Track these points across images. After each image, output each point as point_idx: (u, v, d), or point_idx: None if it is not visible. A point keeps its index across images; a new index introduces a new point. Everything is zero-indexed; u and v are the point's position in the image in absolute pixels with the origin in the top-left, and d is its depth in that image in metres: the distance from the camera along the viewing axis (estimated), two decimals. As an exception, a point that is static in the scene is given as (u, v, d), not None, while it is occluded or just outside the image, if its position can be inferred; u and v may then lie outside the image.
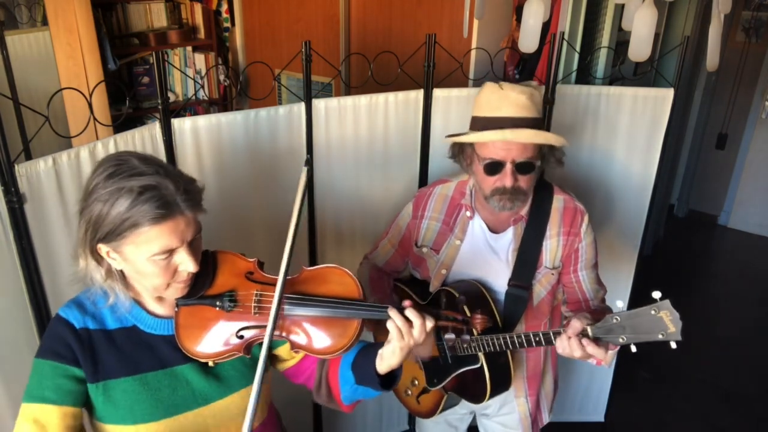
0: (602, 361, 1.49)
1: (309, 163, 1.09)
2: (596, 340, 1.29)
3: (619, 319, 1.24)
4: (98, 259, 1.06)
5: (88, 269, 1.07)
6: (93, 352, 1.09)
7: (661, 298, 1.19)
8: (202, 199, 1.08)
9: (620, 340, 1.25)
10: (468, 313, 1.23)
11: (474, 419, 1.92)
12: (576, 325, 1.30)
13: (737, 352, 3.31)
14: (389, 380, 1.18)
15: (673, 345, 1.21)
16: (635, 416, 2.84)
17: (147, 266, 1.04)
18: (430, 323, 1.13)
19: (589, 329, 1.28)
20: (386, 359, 1.14)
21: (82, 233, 1.04)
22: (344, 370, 1.22)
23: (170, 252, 1.04)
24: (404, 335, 1.11)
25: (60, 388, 1.07)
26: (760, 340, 3.42)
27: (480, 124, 1.50)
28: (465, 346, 1.52)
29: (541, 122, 1.50)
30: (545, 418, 1.80)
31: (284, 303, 1.12)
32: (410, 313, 1.12)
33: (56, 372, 1.07)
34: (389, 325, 1.12)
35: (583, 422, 2.67)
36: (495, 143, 1.45)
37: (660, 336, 1.20)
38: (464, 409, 1.84)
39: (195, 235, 1.07)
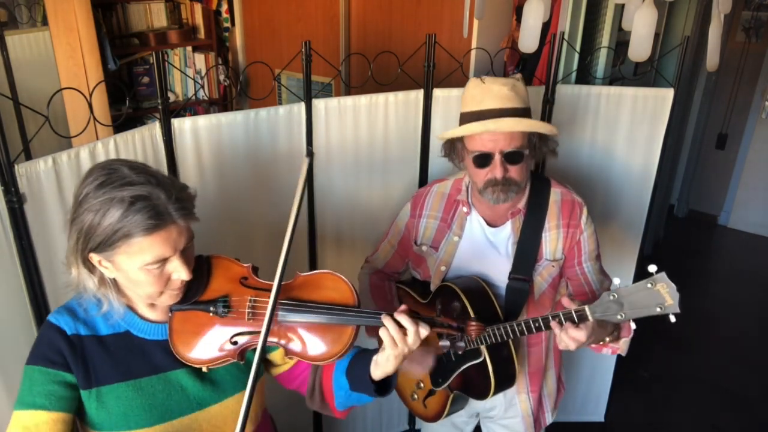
0: (617, 350, 1.49)
1: (310, 154, 1.08)
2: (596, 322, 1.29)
3: (616, 296, 1.23)
4: (90, 267, 1.05)
5: (80, 278, 1.06)
6: (85, 358, 1.08)
7: (657, 271, 1.18)
8: (194, 206, 1.07)
9: (618, 317, 1.24)
10: (471, 313, 1.23)
11: (479, 424, 1.92)
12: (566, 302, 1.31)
13: (737, 352, 3.31)
14: (384, 387, 1.18)
15: (672, 318, 1.19)
16: (635, 416, 2.84)
17: (140, 275, 1.03)
18: (424, 331, 1.12)
19: (587, 309, 1.28)
20: (381, 366, 1.13)
21: (73, 242, 1.02)
22: (338, 376, 1.21)
23: (163, 261, 1.03)
24: (398, 342, 1.10)
25: (51, 394, 1.05)
26: (760, 340, 3.42)
27: (466, 119, 1.53)
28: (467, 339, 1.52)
29: (527, 112, 1.52)
30: (548, 418, 1.79)
31: (278, 309, 1.11)
32: (403, 319, 1.11)
33: (47, 378, 1.06)
34: (382, 332, 1.12)
35: (583, 422, 2.67)
36: (482, 136, 1.47)
37: (658, 309, 1.19)
38: (469, 412, 1.83)
39: (187, 244, 1.06)
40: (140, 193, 0.98)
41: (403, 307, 1.14)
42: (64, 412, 1.06)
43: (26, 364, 1.08)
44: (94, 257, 1.03)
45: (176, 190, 1.03)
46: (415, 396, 1.76)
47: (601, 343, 1.44)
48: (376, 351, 1.17)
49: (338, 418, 2.35)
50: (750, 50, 4.27)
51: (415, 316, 1.13)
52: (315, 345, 1.13)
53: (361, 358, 1.20)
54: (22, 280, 1.44)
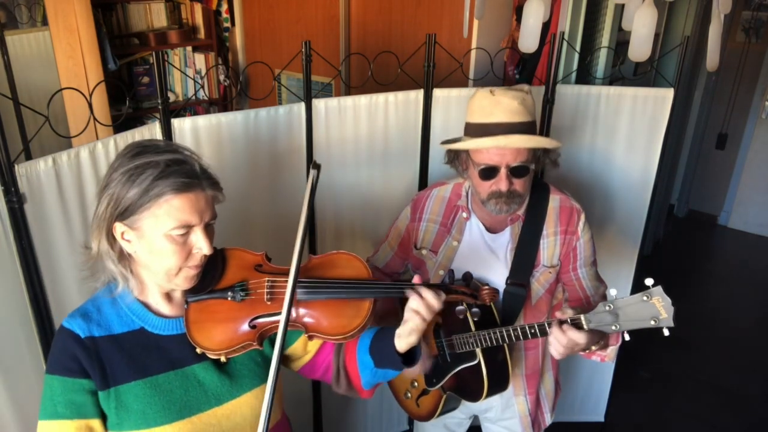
0: (605, 357, 1.50)
1: (317, 166, 1.11)
2: (591, 330, 1.31)
3: (611, 306, 1.24)
4: (111, 242, 1.07)
5: (99, 253, 1.07)
6: (101, 359, 1.08)
7: (654, 285, 1.19)
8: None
9: (613, 328, 1.25)
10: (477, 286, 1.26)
11: (473, 423, 1.92)
12: (567, 311, 1.33)
13: (737, 352, 3.31)
14: (410, 357, 1.20)
15: (666, 332, 1.20)
16: (635, 416, 2.84)
17: (163, 243, 1.04)
18: (441, 296, 1.16)
19: (582, 318, 1.29)
20: (404, 338, 1.16)
21: (102, 209, 1.04)
22: (362, 355, 1.22)
23: (188, 229, 1.05)
24: (420, 312, 1.14)
25: (72, 402, 1.07)
26: (760, 340, 3.42)
27: (473, 130, 1.51)
28: (463, 341, 1.54)
29: (534, 126, 1.51)
30: (547, 419, 1.80)
31: (297, 289, 1.12)
32: (423, 290, 1.15)
33: (66, 387, 1.07)
34: (405, 308, 1.15)
35: (583, 422, 2.67)
36: (489, 149, 1.46)
37: (652, 322, 1.20)
38: (463, 413, 1.84)
39: (211, 219, 1.09)
40: (176, 158, 1.04)
41: (416, 278, 1.18)
42: (87, 418, 1.08)
43: (46, 372, 1.09)
44: (119, 227, 1.04)
45: (206, 167, 1.09)
46: (409, 395, 1.77)
47: (588, 351, 1.45)
48: (394, 328, 1.19)
49: (340, 416, 2.37)
50: (750, 50, 4.27)
51: (431, 286, 1.18)
52: (336, 321, 1.14)
53: (381, 335, 1.21)
54: (22, 280, 1.44)
